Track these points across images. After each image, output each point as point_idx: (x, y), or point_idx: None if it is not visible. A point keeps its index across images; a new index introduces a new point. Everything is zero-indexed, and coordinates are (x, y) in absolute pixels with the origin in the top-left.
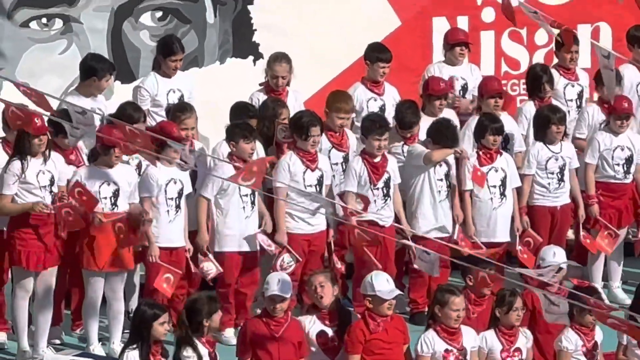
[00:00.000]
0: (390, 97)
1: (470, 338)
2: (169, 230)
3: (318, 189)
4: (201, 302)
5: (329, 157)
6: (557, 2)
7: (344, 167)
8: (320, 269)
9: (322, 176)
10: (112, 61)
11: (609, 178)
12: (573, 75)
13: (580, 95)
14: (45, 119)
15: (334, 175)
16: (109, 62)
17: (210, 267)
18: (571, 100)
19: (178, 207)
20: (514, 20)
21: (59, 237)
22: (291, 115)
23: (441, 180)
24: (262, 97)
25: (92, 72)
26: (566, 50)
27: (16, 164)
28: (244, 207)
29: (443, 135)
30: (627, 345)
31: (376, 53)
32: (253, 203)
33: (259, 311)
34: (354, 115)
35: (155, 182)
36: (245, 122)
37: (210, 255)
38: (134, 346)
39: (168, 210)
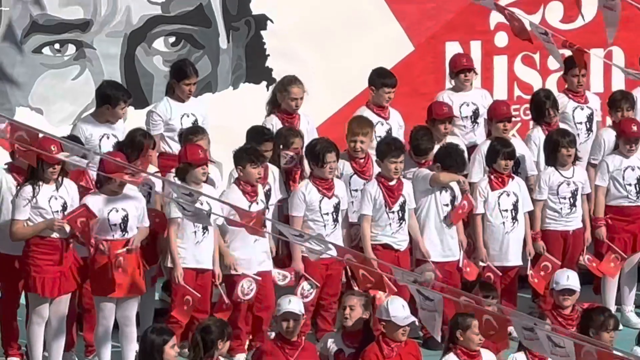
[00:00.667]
0: (395, 122)
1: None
2: (197, 252)
3: (335, 215)
4: (214, 327)
5: (349, 184)
6: (570, 27)
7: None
8: (352, 290)
9: (339, 203)
10: (125, 87)
11: (622, 200)
12: (582, 98)
13: (590, 118)
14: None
15: (352, 202)
16: (125, 90)
17: (250, 285)
18: (580, 123)
19: (205, 228)
20: (530, 39)
21: (75, 262)
22: (302, 143)
23: (447, 205)
24: (276, 121)
25: (106, 99)
26: (573, 74)
27: (27, 189)
28: None
29: (453, 159)
30: None
31: (381, 78)
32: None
33: (273, 335)
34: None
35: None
36: (252, 146)
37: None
38: None
39: (195, 232)
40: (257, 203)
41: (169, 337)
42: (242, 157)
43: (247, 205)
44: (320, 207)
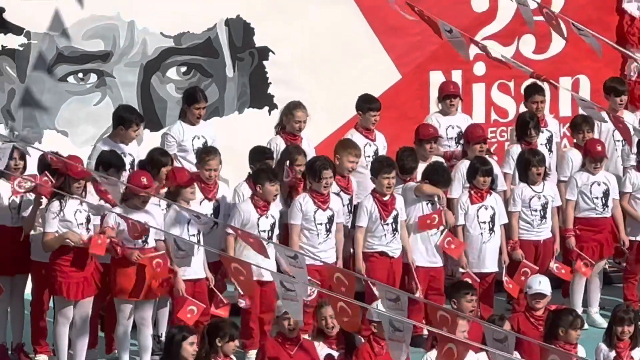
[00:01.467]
0: (381, 143)
1: (471, 357)
2: (193, 263)
3: (328, 226)
4: (222, 326)
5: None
6: (541, 57)
7: (350, 207)
8: (324, 300)
9: (332, 215)
10: (142, 111)
11: (589, 212)
12: (542, 122)
13: (549, 140)
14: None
15: (357, 215)
16: (138, 113)
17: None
18: (542, 144)
19: (199, 241)
20: (508, 64)
21: (96, 269)
22: (305, 160)
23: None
24: (280, 141)
25: (120, 121)
26: (533, 100)
27: (55, 204)
28: None
29: (440, 176)
30: None
31: (367, 104)
32: (270, 238)
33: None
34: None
35: (178, 222)
36: (270, 166)
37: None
38: None
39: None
40: (267, 217)
41: (188, 334)
42: (262, 176)
43: (257, 218)
44: (314, 218)
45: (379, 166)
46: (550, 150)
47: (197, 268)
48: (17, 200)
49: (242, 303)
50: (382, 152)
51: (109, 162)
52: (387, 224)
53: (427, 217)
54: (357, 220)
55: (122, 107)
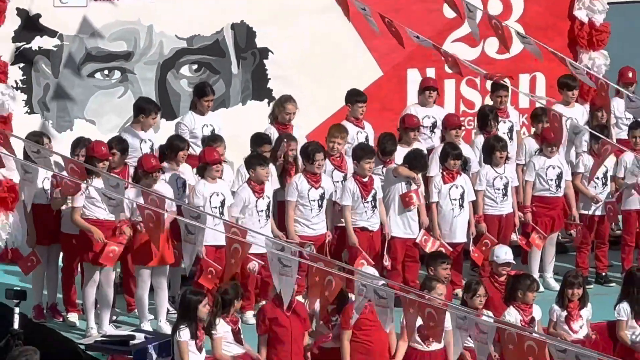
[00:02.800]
0: (369, 130)
1: (448, 320)
2: (215, 232)
3: (320, 202)
4: (231, 289)
5: (332, 177)
6: (503, 57)
7: (343, 184)
8: None
9: (324, 193)
10: (159, 103)
11: (544, 192)
12: (504, 114)
13: (510, 130)
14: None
15: (335, 191)
16: (155, 103)
17: (255, 265)
18: (504, 133)
19: (222, 214)
20: (460, 72)
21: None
22: (296, 146)
23: None
24: (273, 130)
25: (140, 110)
26: (497, 95)
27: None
28: (259, 220)
29: (418, 161)
30: (556, 321)
31: (355, 97)
32: (268, 216)
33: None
34: (348, 143)
35: (202, 195)
36: (259, 153)
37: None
38: (184, 325)
39: (213, 217)
40: (263, 198)
41: (202, 297)
42: (252, 161)
43: (255, 200)
44: (308, 195)
45: (362, 153)
46: (511, 138)
47: (218, 236)
48: (49, 182)
49: (254, 266)
50: (371, 138)
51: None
52: (367, 202)
53: (405, 195)
54: (343, 200)
55: (141, 99)
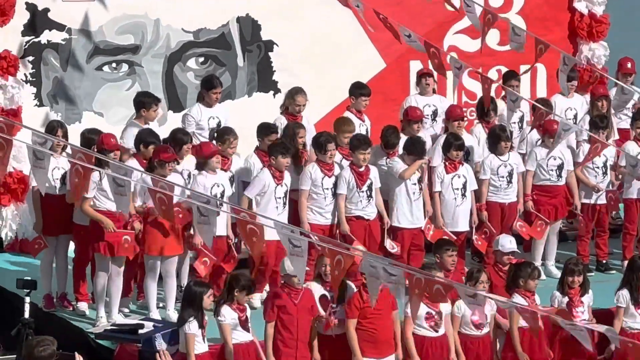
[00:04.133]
0: (368, 123)
1: (446, 304)
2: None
3: (334, 190)
4: (240, 279)
5: (341, 165)
6: (504, 48)
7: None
8: None
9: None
10: (166, 95)
11: (546, 181)
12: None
13: (521, 119)
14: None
15: (337, 183)
16: (154, 96)
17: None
18: (514, 122)
19: (221, 204)
20: (445, 73)
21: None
22: (305, 133)
23: (415, 184)
24: (284, 120)
25: (141, 105)
26: (510, 85)
27: (95, 174)
28: (277, 207)
29: (415, 147)
30: (557, 307)
31: (359, 89)
32: (285, 204)
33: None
34: None
35: (203, 186)
36: (283, 142)
37: None
38: (192, 317)
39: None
40: (282, 186)
41: (207, 288)
42: (276, 149)
43: (275, 186)
44: (322, 184)
45: (357, 143)
46: (521, 127)
47: (218, 226)
48: (61, 172)
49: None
50: (370, 129)
51: (147, 140)
52: (362, 192)
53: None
54: (338, 189)
55: (139, 93)
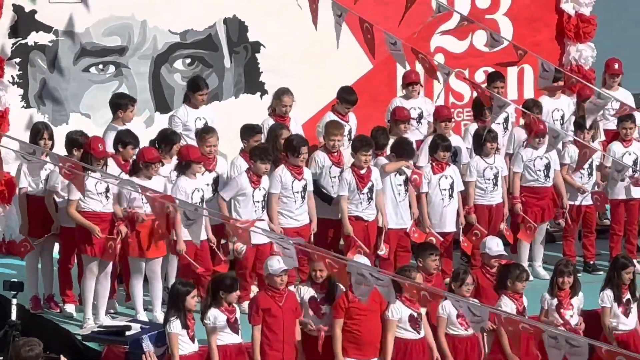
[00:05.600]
0: (353, 123)
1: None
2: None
3: (303, 194)
4: (223, 279)
5: (329, 172)
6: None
7: (340, 179)
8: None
9: (306, 185)
10: (153, 97)
11: (533, 182)
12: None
13: (506, 120)
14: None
15: (332, 185)
16: (129, 96)
17: (242, 247)
18: (499, 123)
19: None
20: (438, 78)
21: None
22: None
23: (400, 185)
24: (271, 121)
25: (117, 107)
26: (495, 86)
27: None
28: (255, 210)
29: (403, 149)
30: (547, 309)
31: (346, 95)
32: (264, 207)
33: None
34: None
35: (184, 191)
36: (265, 147)
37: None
38: (175, 317)
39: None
40: (260, 189)
41: (191, 288)
42: (255, 153)
43: (252, 190)
44: (292, 187)
45: (359, 144)
46: (506, 128)
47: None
48: (45, 173)
49: (244, 250)
50: (354, 130)
51: (125, 141)
52: (363, 194)
53: (412, 181)
54: (340, 191)
55: (114, 95)
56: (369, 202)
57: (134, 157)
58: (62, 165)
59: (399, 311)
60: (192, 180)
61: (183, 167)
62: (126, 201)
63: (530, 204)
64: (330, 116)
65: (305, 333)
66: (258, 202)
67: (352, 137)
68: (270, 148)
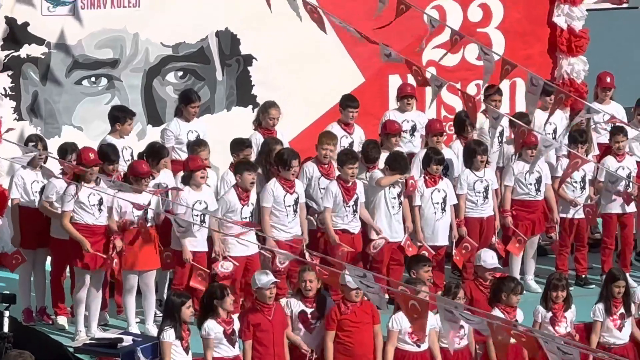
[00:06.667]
0: (358, 136)
1: (431, 319)
2: (195, 238)
3: (295, 207)
4: (213, 290)
5: (319, 183)
6: (482, 63)
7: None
8: (305, 266)
9: (298, 198)
10: (145, 109)
11: (524, 196)
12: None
13: (501, 134)
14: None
15: (321, 197)
16: (128, 109)
17: (229, 265)
18: (495, 137)
19: (203, 221)
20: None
21: (107, 245)
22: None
23: (394, 198)
24: (259, 136)
25: (115, 119)
26: (492, 99)
27: (71, 188)
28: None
29: (398, 163)
30: (541, 322)
31: (347, 101)
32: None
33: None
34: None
35: (185, 202)
36: (248, 160)
37: (228, 256)
38: (170, 326)
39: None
40: (248, 205)
41: (186, 299)
42: (240, 167)
43: (240, 207)
44: (284, 201)
45: (345, 158)
46: (500, 142)
47: (198, 243)
48: (40, 185)
49: (230, 268)
50: (358, 144)
51: (106, 156)
52: (349, 206)
53: (408, 189)
54: (324, 202)
55: (114, 108)
56: (354, 215)
57: (118, 172)
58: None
59: (399, 322)
60: (195, 192)
61: (186, 178)
62: (117, 213)
63: (521, 218)
64: (334, 127)
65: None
66: (246, 218)
67: (356, 149)
68: (262, 160)
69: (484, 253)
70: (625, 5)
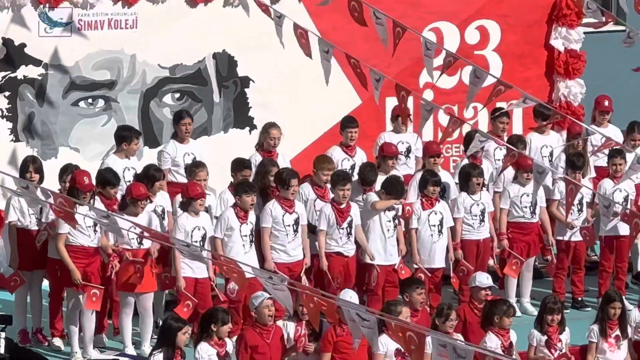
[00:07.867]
0: (360, 159)
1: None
2: (195, 265)
3: (295, 227)
4: (215, 313)
5: (314, 205)
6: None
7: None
8: None
9: (298, 218)
10: (142, 131)
11: (519, 218)
12: (503, 141)
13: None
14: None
15: (316, 220)
16: (135, 130)
17: (235, 287)
18: (499, 159)
19: (202, 247)
20: (407, 113)
21: (101, 265)
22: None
23: (389, 221)
24: (258, 157)
25: (122, 139)
26: (501, 121)
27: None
28: (244, 245)
29: (394, 187)
30: (536, 345)
31: (346, 122)
32: (252, 242)
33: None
34: None
35: (183, 228)
36: (247, 181)
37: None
38: (160, 350)
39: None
40: (247, 224)
41: (183, 325)
42: (239, 189)
43: (239, 225)
44: (283, 221)
45: (337, 179)
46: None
47: (197, 269)
48: (38, 207)
49: (236, 290)
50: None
51: (107, 180)
52: (343, 228)
53: (404, 214)
54: (319, 225)
55: (120, 127)
56: (349, 237)
57: (118, 194)
58: (53, 202)
59: (385, 345)
60: (193, 218)
61: (185, 205)
62: (113, 237)
63: (516, 240)
64: (335, 150)
65: None
66: (246, 236)
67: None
68: (257, 181)
69: (479, 275)
70: (610, 23)
